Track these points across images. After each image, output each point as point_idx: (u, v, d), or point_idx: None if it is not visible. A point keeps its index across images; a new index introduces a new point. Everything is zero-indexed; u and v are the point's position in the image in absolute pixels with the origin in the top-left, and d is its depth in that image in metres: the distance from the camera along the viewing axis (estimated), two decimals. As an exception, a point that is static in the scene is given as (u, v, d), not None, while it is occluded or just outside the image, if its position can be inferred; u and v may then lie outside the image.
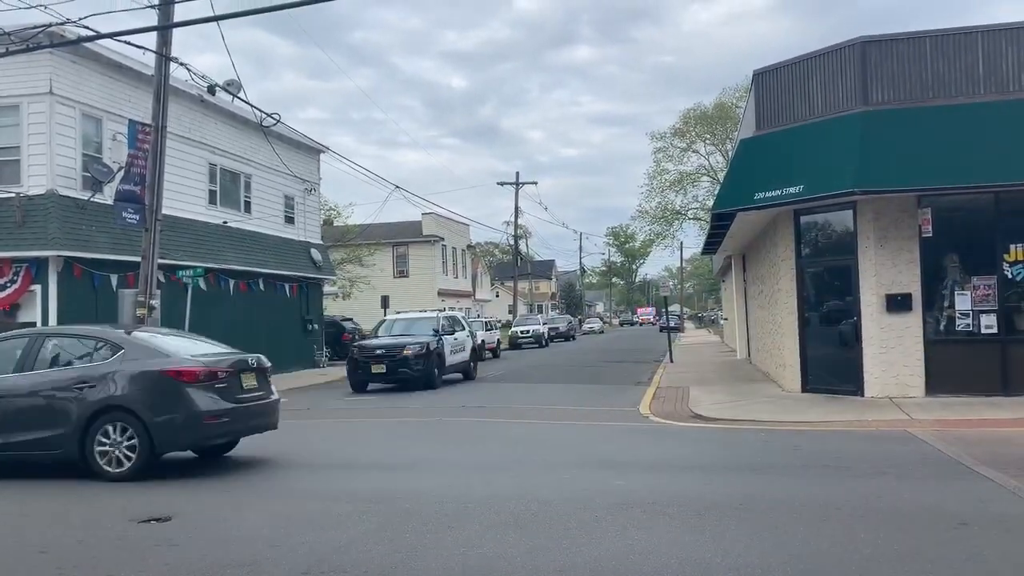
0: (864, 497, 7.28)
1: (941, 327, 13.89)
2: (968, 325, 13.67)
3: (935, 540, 5.93)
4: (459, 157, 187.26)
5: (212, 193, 24.15)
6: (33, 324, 18.16)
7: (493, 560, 5.68)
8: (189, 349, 10.01)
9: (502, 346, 39.73)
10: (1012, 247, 13.52)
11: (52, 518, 7.45)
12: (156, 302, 16.88)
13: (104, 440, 8.95)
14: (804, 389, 15.18)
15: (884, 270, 13.94)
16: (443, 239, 51.52)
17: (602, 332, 73.79)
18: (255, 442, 11.71)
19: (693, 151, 57.14)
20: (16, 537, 6.77)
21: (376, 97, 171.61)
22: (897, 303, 13.82)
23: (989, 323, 13.55)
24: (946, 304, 13.86)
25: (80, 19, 14.91)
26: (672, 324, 40.31)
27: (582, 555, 5.73)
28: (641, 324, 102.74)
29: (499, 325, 44.53)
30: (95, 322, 18.64)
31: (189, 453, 10.17)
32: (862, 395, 13.99)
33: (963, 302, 13.69)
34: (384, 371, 20.42)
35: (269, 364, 10.85)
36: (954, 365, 13.69)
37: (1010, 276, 13.53)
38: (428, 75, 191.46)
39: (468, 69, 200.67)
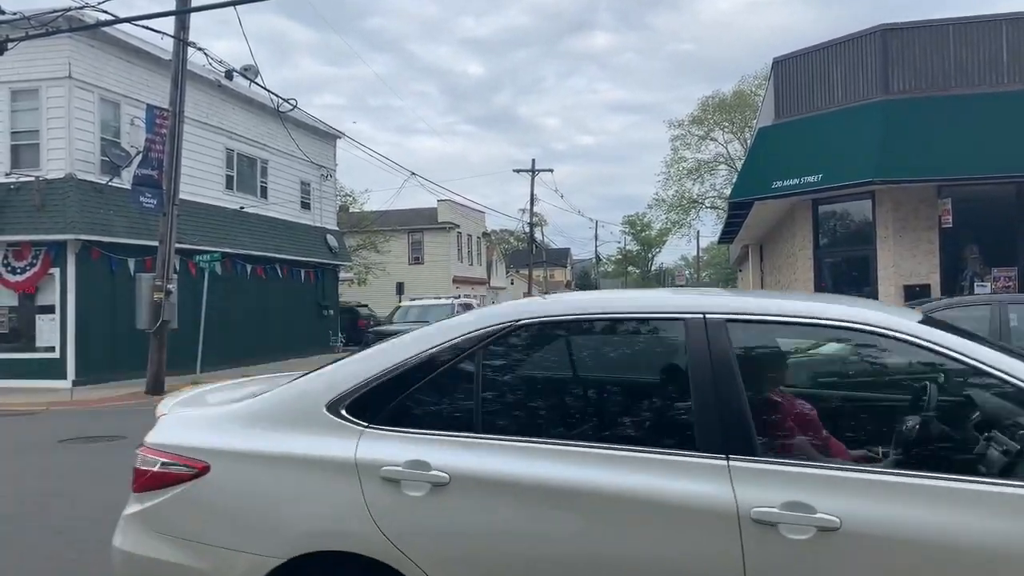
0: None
1: (960, 319, 13.77)
2: (987, 317, 13.53)
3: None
4: (475, 144, 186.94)
5: (229, 178, 24.23)
6: (52, 307, 18.36)
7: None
8: None
9: (516, 334, 39.63)
10: (1033, 238, 13.39)
11: (67, 497, 7.52)
12: (173, 286, 17.01)
13: None
14: (820, 380, 15.09)
15: (903, 260, 13.82)
16: (458, 226, 51.53)
17: (617, 320, 73.55)
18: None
19: (711, 139, 56.81)
20: (32, 517, 6.84)
21: (393, 84, 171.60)
22: (915, 294, 13.70)
23: (1009, 315, 13.41)
24: (965, 295, 13.72)
25: (99, 3, 14.99)
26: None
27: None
28: None
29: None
30: (113, 306, 18.86)
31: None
32: (878, 386, 13.88)
33: (982, 293, 13.56)
34: (399, 357, 20.47)
35: None
36: (972, 357, 13.56)
37: (1031, 268, 13.39)
38: (445, 62, 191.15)
39: (485, 56, 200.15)
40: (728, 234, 25.65)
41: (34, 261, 18.34)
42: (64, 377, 18.06)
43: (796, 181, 14.04)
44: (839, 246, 15.36)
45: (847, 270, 15.24)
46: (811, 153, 14.15)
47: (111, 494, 7.64)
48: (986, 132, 12.90)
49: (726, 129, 55.32)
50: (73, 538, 6.11)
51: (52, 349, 18.36)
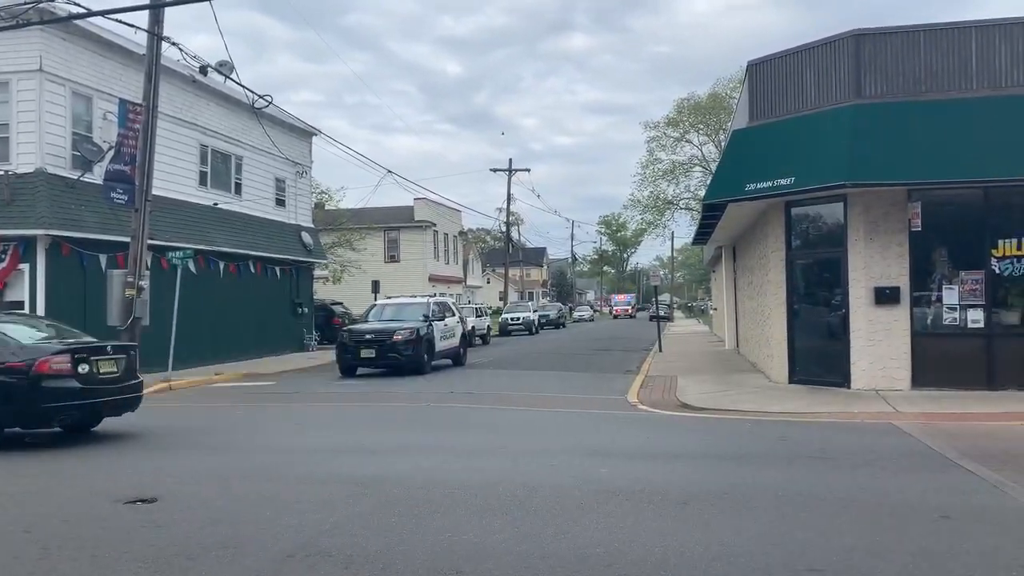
0: (847, 488, 7.34)
1: (928, 321, 13.97)
2: (955, 319, 13.75)
3: (917, 532, 5.98)
4: (453, 143, 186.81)
5: (203, 174, 24.03)
6: (21, 303, 18.10)
7: (478, 546, 5.71)
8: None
9: (492, 333, 39.75)
10: (1000, 242, 13.60)
11: (37, 497, 7.44)
12: (145, 283, 16.84)
13: None
14: (791, 380, 15.25)
15: (873, 263, 13.99)
16: (435, 225, 51.44)
17: (592, 320, 73.89)
18: (242, 424, 11.73)
19: (686, 141, 57.17)
20: (0, 516, 6.76)
21: (370, 82, 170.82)
22: (885, 296, 13.89)
23: (976, 318, 13.63)
24: (934, 298, 13.93)
25: (71, -4, 14.78)
26: (662, 313, 40.43)
27: (567, 542, 5.76)
28: (616, 316, 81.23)
29: (490, 312, 44.55)
30: (84, 303, 18.61)
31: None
32: (849, 387, 14.06)
33: (950, 296, 13.77)
34: (373, 356, 20.42)
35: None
36: (940, 359, 13.78)
37: (998, 271, 13.61)
38: (423, 60, 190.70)
39: (463, 55, 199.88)
40: (702, 235, 25.79)
41: (2, 256, 18.07)
42: (33, 374, 17.78)
43: (769, 183, 14.15)
44: (811, 248, 15.51)
45: (819, 272, 15.40)
46: (784, 156, 14.27)
47: (81, 493, 7.58)
48: (955, 137, 13.09)
49: (701, 131, 55.70)
50: (41, 536, 6.05)
51: (21, 346, 18.09)
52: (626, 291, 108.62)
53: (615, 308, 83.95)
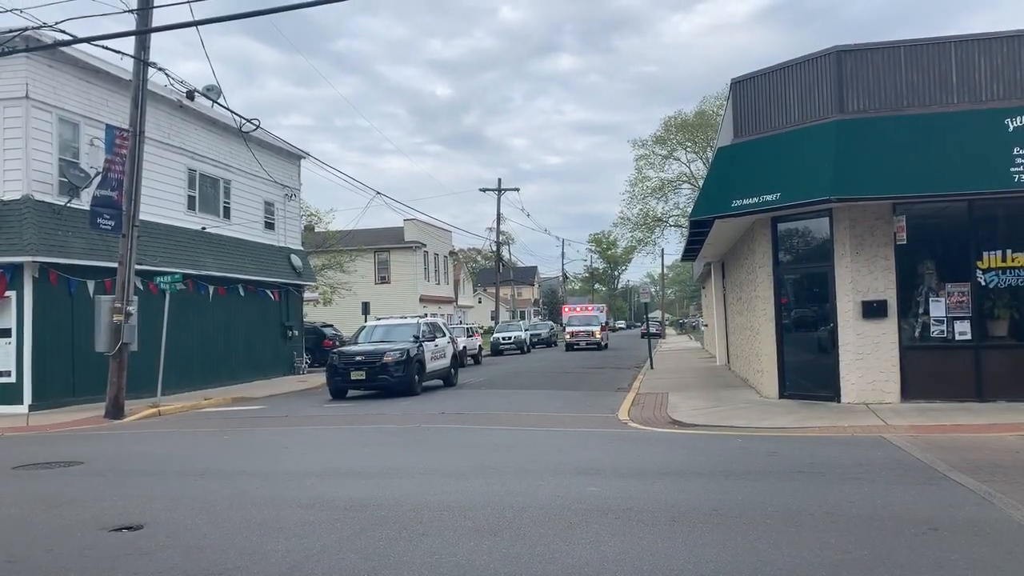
0: (837, 503, 7.33)
1: (916, 334, 14.03)
2: (942, 332, 13.81)
3: (905, 545, 5.98)
4: (443, 164, 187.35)
5: (191, 199, 24.02)
6: (9, 330, 18.01)
7: (466, 568, 5.67)
8: None
9: (484, 352, 39.71)
10: (985, 254, 13.70)
11: (22, 526, 7.37)
12: (133, 308, 16.78)
13: None
14: (781, 395, 15.27)
15: (860, 277, 14.06)
16: (425, 245, 51.48)
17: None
18: (230, 449, 11.65)
19: (674, 159, 57.58)
20: (-15, 546, 6.68)
21: (360, 105, 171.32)
22: (873, 310, 13.95)
23: (963, 330, 13.70)
24: (921, 311, 14.00)
25: (57, 23, 14.84)
26: (654, 330, 40.37)
27: (556, 563, 5.73)
28: (571, 344, 46.15)
29: (481, 331, 44.51)
30: (72, 329, 18.53)
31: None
32: (838, 401, 14.09)
33: (937, 309, 13.84)
34: (364, 377, 20.35)
35: None
36: (929, 371, 13.83)
37: (983, 283, 13.69)
38: (413, 83, 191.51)
39: (453, 77, 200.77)
40: (691, 252, 25.92)
41: (-11, 284, 17.98)
42: (20, 402, 17.72)
43: (755, 199, 14.23)
44: (799, 263, 15.58)
45: (807, 286, 15.46)
46: (769, 171, 14.36)
47: (66, 521, 7.51)
48: (938, 150, 13.19)
49: (688, 148, 56.07)
50: (25, 567, 5.99)
51: (8, 374, 18.02)
52: (599, 301, 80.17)
53: (568, 330, 48.40)
